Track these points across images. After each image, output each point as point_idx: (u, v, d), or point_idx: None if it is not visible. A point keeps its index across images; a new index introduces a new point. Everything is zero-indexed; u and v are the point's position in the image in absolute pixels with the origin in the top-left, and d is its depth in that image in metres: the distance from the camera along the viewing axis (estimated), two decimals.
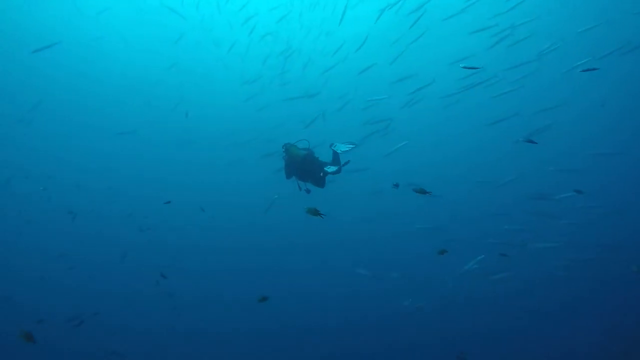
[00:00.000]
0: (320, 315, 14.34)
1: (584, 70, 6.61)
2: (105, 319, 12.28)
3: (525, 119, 14.13)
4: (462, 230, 15.26)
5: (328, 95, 17.34)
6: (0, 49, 17.51)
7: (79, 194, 17.52)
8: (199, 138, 20.21)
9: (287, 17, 16.88)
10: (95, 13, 16.89)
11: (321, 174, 6.50)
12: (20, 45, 17.26)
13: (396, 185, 5.46)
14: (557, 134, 16.12)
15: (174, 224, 17.55)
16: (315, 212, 4.60)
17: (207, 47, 18.98)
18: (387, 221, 17.40)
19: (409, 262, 14.92)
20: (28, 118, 18.16)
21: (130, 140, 19.59)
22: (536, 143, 6.32)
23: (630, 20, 15.85)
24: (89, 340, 11.98)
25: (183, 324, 14.16)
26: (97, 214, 17.15)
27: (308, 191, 6.76)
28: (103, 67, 19.37)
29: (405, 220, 16.34)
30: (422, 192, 5.09)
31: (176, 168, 20.48)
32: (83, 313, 10.94)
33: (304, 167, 6.66)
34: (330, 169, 6.46)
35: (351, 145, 6.66)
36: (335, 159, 6.84)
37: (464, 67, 6.38)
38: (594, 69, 6.59)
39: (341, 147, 6.69)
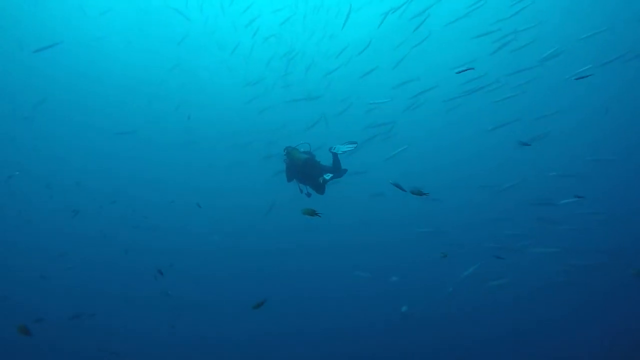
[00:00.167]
0: (320, 319, 14.31)
1: (578, 78, 6.55)
2: (105, 319, 12.28)
3: (527, 124, 14.12)
4: (463, 235, 15.23)
5: (330, 98, 17.38)
6: (1, 48, 17.52)
7: (79, 194, 17.51)
8: (201, 139, 20.21)
9: (290, 19, 16.92)
10: (98, 13, 16.91)
11: (320, 180, 6.42)
12: (22, 45, 17.27)
13: (396, 185, 5.43)
14: (558, 139, 16.12)
15: (174, 224, 17.56)
16: (311, 213, 4.62)
17: (211, 49, 19.00)
18: (388, 225, 17.37)
19: (410, 266, 14.90)
20: (30, 117, 18.20)
21: (131, 140, 19.60)
22: (529, 145, 6.31)
23: (634, 27, 15.84)
24: (88, 341, 11.97)
25: (183, 325, 14.14)
26: (97, 214, 17.13)
27: (309, 194, 6.73)
28: (105, 67, 19.36)
29: (406, 224, 16.32)
30: (420, 193, 5.07)
31: (176, 169, 20.46)
32: (83, 313, 10.95)
33: (305, 171, 6.63)
34: (328, 176, 6.38)
35: (352, 145, 6.57)
36: (336, 163, 6.80)
37: (458, 72, 6.37)
38: (587, 76, 6.56)
39: (341, 148, 6.62)
